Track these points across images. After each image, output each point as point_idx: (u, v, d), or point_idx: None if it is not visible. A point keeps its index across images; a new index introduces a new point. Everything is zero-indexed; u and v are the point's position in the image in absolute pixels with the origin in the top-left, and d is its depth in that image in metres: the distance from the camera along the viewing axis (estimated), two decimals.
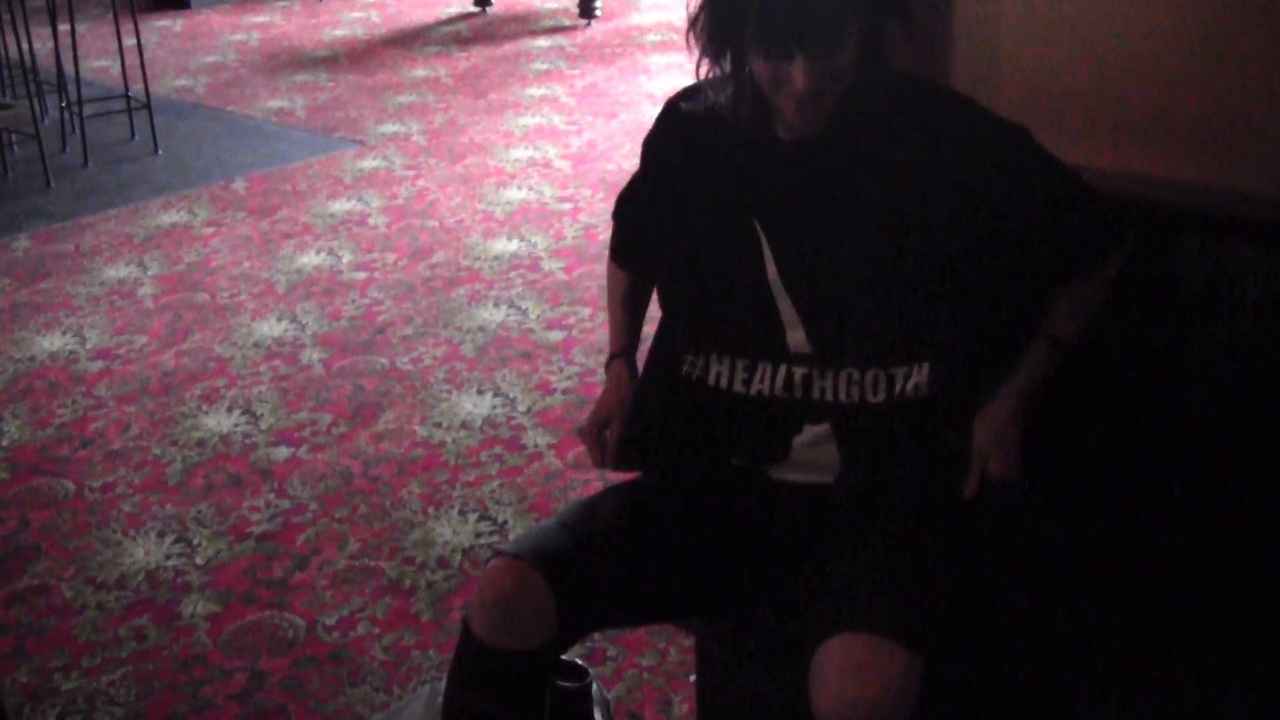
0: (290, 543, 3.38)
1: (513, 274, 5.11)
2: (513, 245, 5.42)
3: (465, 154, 6.65)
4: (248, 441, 3.89)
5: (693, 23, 1.92)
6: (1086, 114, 2.47)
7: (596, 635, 2.95)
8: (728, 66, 1.92)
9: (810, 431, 2.02)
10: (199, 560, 3.31)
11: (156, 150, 6.77)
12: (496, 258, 5.29)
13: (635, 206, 2.25)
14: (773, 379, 2.01)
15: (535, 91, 7.82)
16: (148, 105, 6.74)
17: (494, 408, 4.04)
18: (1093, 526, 2.26)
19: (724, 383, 2.04)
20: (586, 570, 1.98)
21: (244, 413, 4.06)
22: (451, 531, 3.39)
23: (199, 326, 4.70)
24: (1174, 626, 2.08)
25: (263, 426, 3.97)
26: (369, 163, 6.55)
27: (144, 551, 3.36)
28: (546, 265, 5.15)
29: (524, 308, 4.78)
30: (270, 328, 4.68)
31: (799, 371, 2.00)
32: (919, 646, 1.77)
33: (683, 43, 1.98)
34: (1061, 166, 1.99)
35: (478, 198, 6.00)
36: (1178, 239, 2.22)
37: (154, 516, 3.51)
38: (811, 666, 1.80)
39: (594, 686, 2.56)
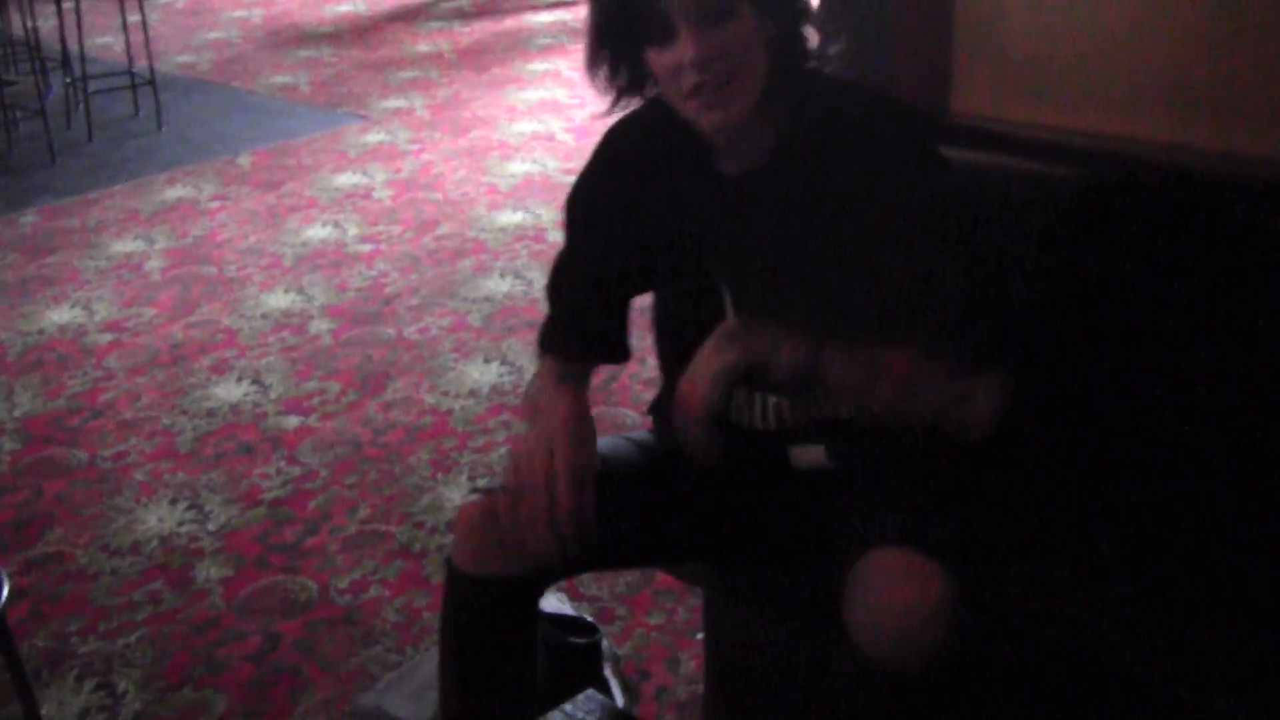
0: (301, 509, 3.42)
1: (518, 245, 5.14)
2: (517, 217, 5.45)
3: (469, 128, 6.68)
4: (257, 410, 3.92)
5: (591, 63, 1.90)
6: (1091, 79, 2.48)
7: (605, 595, 2.99)
8: (634, 87, 1.90)
9: (804, 448, 2.03)
10: (211, 526, 3.35)
11: (161, 126, 6.79)
12: (501, 229, 5.32)
13: (577, 278, 2.12)
14: (752, 410, 2.04)
15: (538, 66, 7.84)
16: (152, 81, 6.77)
17: (500, 376, 4.07)
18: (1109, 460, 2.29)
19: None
20: None
21: (253, 382, 4.09)
22: (460, 496, 3.43)
23: (207, 299, 4.73)
24: (1190, 565, 2.11)
25: (272, 396, 4.01)
26: (373, 137, 6.57)
27: (157, 518, 3.40)
28: (551, 236, 5.18)
29: (529, 278, 4.81)
30: (278, 300, 4.71)
31: (772, 399, 2.02)
32: (953, 569, 1.79)
33: None
34: (964, 254, 1.84)
35: (482, 170, 6.02)
36: (1193, 203, 2.24)
37: (166, 484, 3.55)
38: (848, 580, 1.81)
39: (604, 643, 2.60)
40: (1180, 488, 2.24)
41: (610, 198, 2.03)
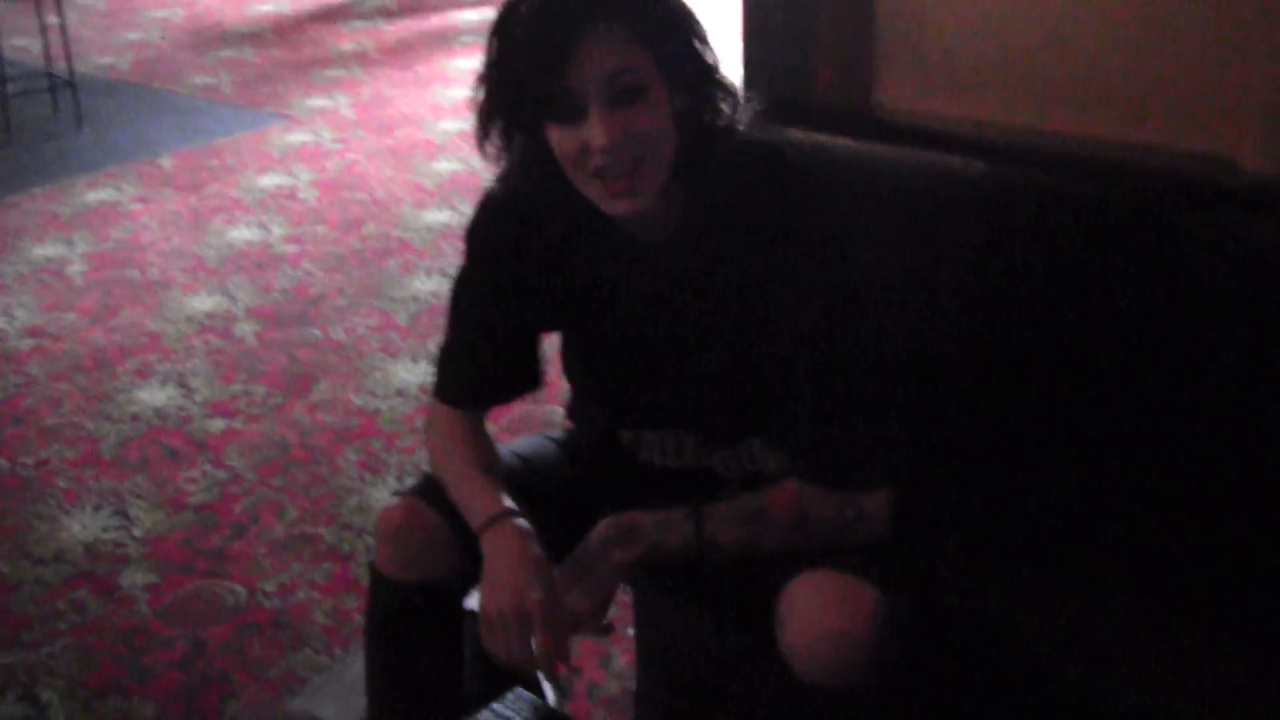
0: (228, 513, 3.39)
1: (444, 244, 5.12)
2: (444, 215, 5.43)
3: (394, 126, 6.64)
4: (182, 414, 3.88)
5: (482, 132, 1.82)
6: (1010, 75, 2.51)
7: None
8: (528, 164, 1.82)
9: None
10: (137, 532, 3.32)
11: (82, 128, 6.70)
12: (428, 228, 5.30)
13: (472, 336, 2.03)
14: (664, 450, 2.05)
15: (463, 63, 7.80)
16: (71, 83, 6.68)
17: (428, 375, 4.03)
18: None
19: (634, 449, 2.07)
20: None
21: (178, 386, 4.05)
22: (389, 497, 3.41)
23: (130, 303, 4.68)
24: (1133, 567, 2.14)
25: (197, 399, 3.97)
26: (297, 137, 6.52)
27: (81, 525, 3.36)
28: None
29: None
30: (202, 302, 4.67)
31: (689, 446, 2.03)
32: (884, 584, 1.79)
33: None
34: (858, 356, 1.81)
35: (408, 169, 6.00)
36: (1103, 197, 2.26)
37: (90, 491, 3.51)
38: (780, 603, 1.80)
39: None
40: (1125, 489, 2.27)
41: (507, 263, 1.96)
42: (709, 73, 1.78)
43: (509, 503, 1.89)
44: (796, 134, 2.43)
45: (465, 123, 6.53)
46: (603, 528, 1.86)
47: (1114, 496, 2.26)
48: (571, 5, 1.67)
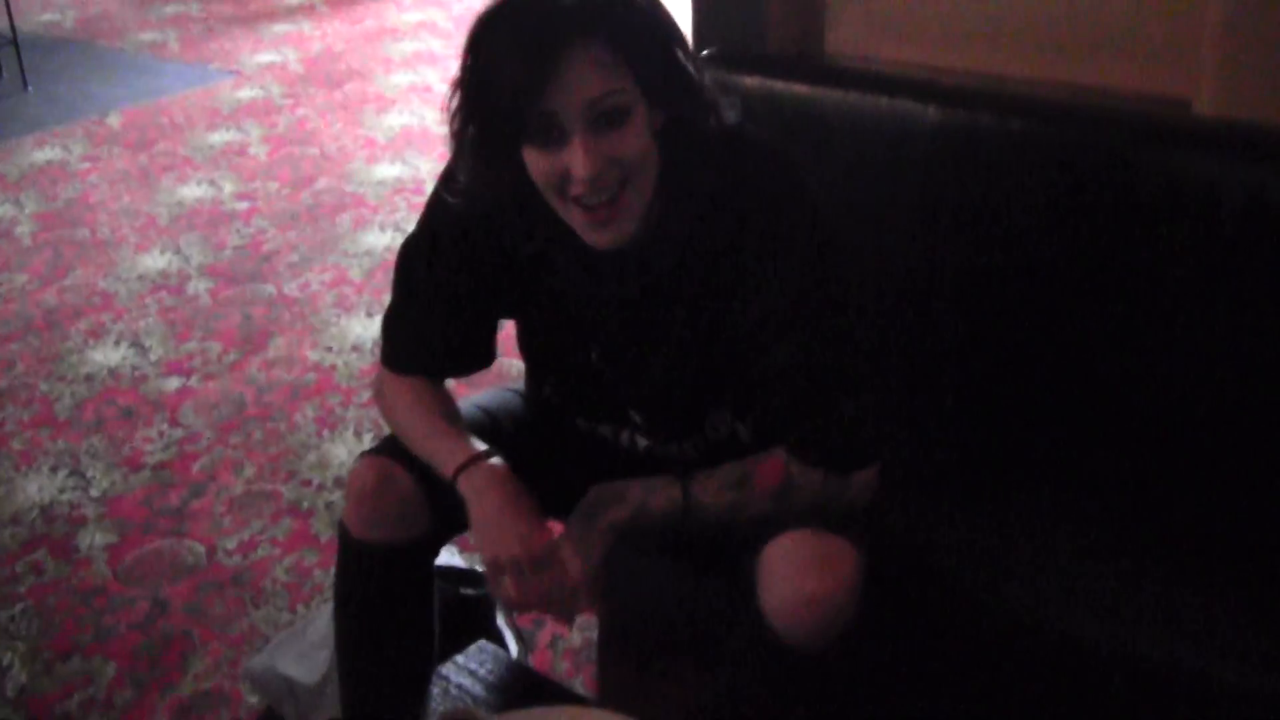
0: (186, 471, 3.38)
1: (397, 198, 5.10)
2: (396, 170, 5.40)
3: (344, 81, 6.60)
4: (137, 374, 3.86)
5: (457, 126, 1.71)
6: (958, 19, 2.51)
7: None
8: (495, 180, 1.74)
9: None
10: (94, 493, 3.30)
11: (26, 87, 6.63)
12: (380, 182, 5.27)
13: (426, 310, 1.97)
14: (617, 440, 2.05)
15: (412, 17, 7.75)
16: (14, 41, 6.59)
17: None
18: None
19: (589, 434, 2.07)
20: None
21: (132, 345, 4.02)
22: (347, 453, 3.41)
23: (80, 262, 4.64)
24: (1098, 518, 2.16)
25: (152, 358, 3.94)
26: (246, 93, 6.47)
27: (37, 487, 3.34)
28: (430, 188, 5.12)
29: (409, 231, 4.75)
30: (154, 260, 4.63)
31: (641, 440, 2.03)
32: (861, 543, 1.80)
33: None
34: (835, 347, 1.77)
35: (358, 124, 5.96)
36: (1057, 140, 2.27)
37: (45, 452, 3.49)
38: (759, 565, 1.80)
39: None
40: (1073, 426, 2.29)
41: (460, 246, 1.90)
42: (691, 83, 1.70)
43: (481, 445, 1.87)
44: (750, 81, 2.43)
45: (416, 76, 6.52)
46: (591, 494, 1.85)
47: (1060, 434, 2.28)
48: (551, 21, 1.58)
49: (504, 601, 1.84)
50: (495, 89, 1.61)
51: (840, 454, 1.80)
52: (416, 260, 1.96)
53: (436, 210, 1.92)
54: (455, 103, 1.69)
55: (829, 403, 1.77)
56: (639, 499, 1.82)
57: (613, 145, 1.62)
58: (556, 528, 1.85)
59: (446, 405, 1.98)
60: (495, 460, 1.85)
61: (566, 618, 1.88)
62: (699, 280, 1.79)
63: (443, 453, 1.88)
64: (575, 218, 1.68)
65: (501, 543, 1.79)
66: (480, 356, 2.01)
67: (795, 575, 1.75)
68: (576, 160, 1.61)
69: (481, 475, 1.83)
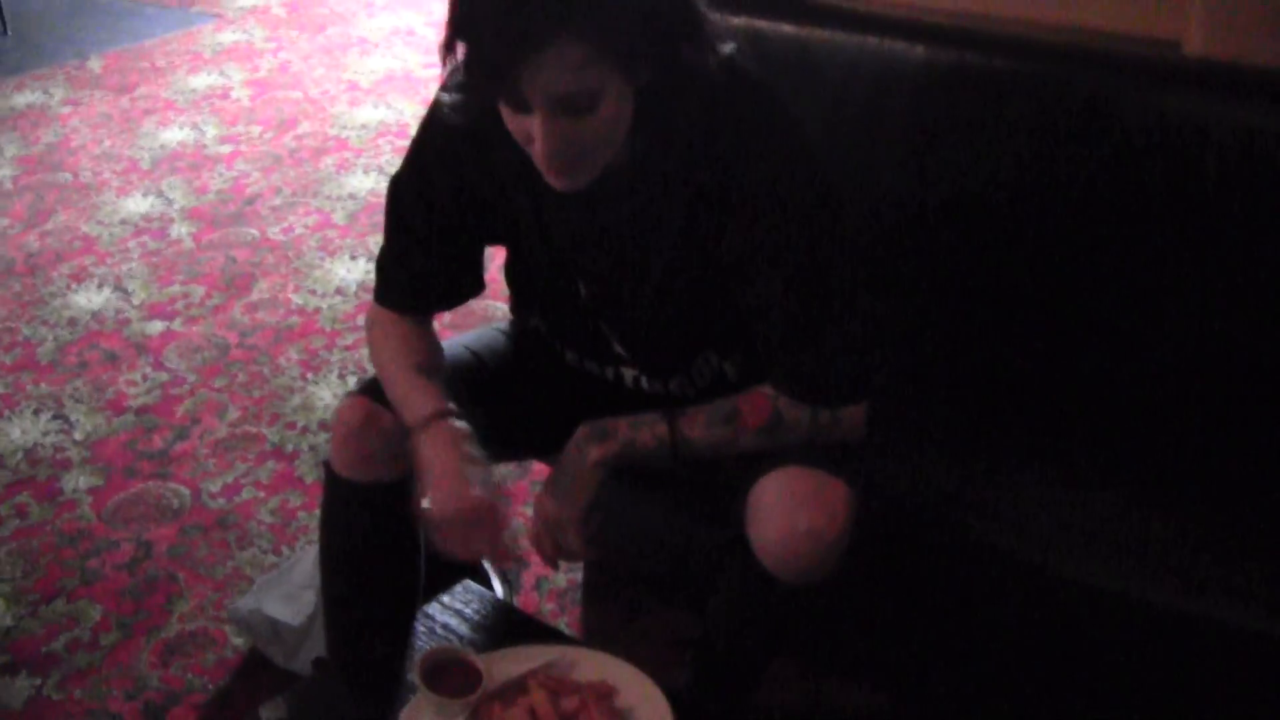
0: (170, 414, 3.37)
1: (380, 141, 5.07)
2: (379, 113, 5.37)
3: (326, 24, 6.54)
4: (120, 317, 3.84)
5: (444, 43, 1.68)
6: None
7: None
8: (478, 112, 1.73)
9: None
10: (78, 436, 3.29)
11: (6, 31, 6.55)
12: (363, 126, 5.24)
13: (414, 241, 1.98)
14: (603, 374, 2.05)
15: None
16: None
17: (367, 273, 4.02)
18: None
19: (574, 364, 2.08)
20: None
21: (115, 289, 4.00)
22: (331, 395, 3.40)
23: (62, 206, 4.61)
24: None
25: (135, 302, 3.93)
26: (229, 36, 6.41)
27: (20, 431, 3.33)
28: (414, 131, 5.10)
29: (393, 173, 4.73)
30: (136, 204, 4.60)
31: (628, 373, 2.03)
32: (853, 480, 1.80)
33: None
34: (826, 283, 1.77)
35: (341, 67, 5.91)
36: (1046, 80, 2.26)
37: (29, 396, 3.48)
38: (751, 499, 1.81)
39: None
40: (1074, 377, 2.30)
41: (455, 170, 1.90)
42: (692, 32, 1.65)
43: (448, 402, 1.87)
44: (737, 21, 2.41)
45: (398, 19, 6.46)
46: (579, 431, 1.86)
47: (1045, 372, 2.29)
48: (536, 15, 1.53)
49: (441, 554, 1.85)
50: (472, 50, 1.60)
51: (827, 389, 1.81)
52: (405, 192, 1.97)
53: (423, 140, 1.93)
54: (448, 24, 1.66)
55: (816, 337, 1.77)
56: (627, 436, 1.83)
57: (575, 130, 1.62)
58: (542, 471, 1.86)
59: (429, 356, 1.98)
60: (457, 421, 1.85)
61: (550, 559, 1.88)
62: (685, 212, 1.78)
63: (411, 402, 1.88)
64: (538, 164, 1.68)
65: (444, 499, 1.80)
66: (467, 283, 2.02)
67: (787, 510, 1.76)
68: (537, 137, 1.62)
69: (440, 432, 1.83)
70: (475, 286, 2.03)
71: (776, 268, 1.75)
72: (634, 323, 1.94)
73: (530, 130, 1.63)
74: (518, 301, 2.13)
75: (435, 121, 1.88)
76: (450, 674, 1.80)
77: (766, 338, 1.80)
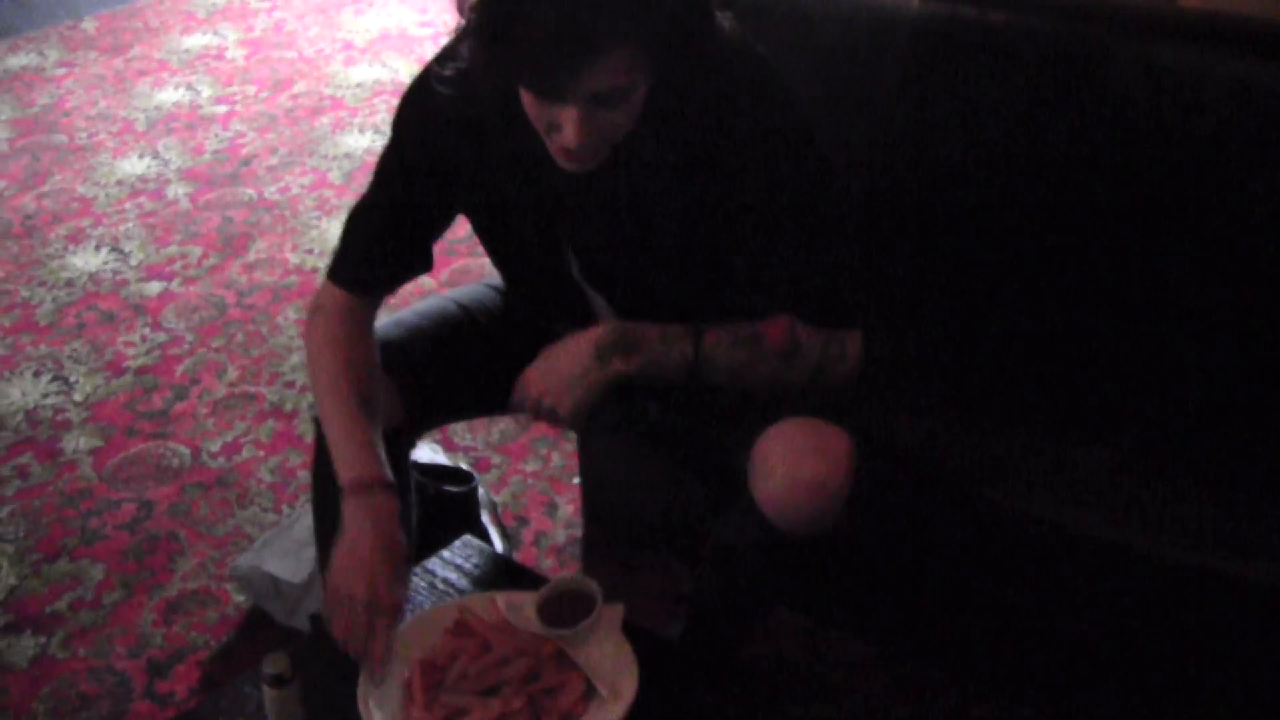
0: (169, 374, 3.38)
1: (376, 100, 5.06)
2: (374, 72, 5.36)
3: None
4: (118, 278, 3.85)
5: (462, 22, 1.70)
6: None
7: (479, 445, 3.00)
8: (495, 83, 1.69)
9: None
10: (77, 397, 3.30)
11: None
12: (359, 85, 5.23)
13: (379, 215, 1.97)
14: None
15: None
16: None
17: None
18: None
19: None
20: (420, 355, 2.02)
21: (112, 250, 4.01)
22: None
23: (58, 168, 4.61)
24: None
25: (132, 263, 3.93)
26: None
27: (20, 392, 3.34)
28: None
29: (388, 133, 4.72)
30: (133, 165, 4.60)
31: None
32: (851, 433, 1.82)
33: None
34: (814, 233, 1.79)
35: (336, 26, 5.89)
36: (1039, 30, 2.26)
37: (28, 357, 3.49)
38: (754, 452, 1.82)
39: (480, 490, 2.62)
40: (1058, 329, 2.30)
41: (439, 153, 1.89)
42: (688, 31, 1.65)
43: (382, 469, 1.86)
44: None
45: None
46: (606, 331, 1.83)
47: (1041, 325, 2.29)
48: (596, 24, 1.53)
49: (325, 624, 1.83)
50: (512, 50, 1.57)
51: (839, 308, 1.81)
52: (380, 162, 1.98)
53: (406, 107, 1.93)
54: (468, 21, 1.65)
55: (820, 268, 1.79)
56: (655, 351, 1.81)
57: (606, 121, 1.64)
58: (540, 430, 1.85)
59: (368, 378, 1.95)
60: (387, 497, 1.84)
61: (363, 662, 1.81)
62: (683, 181, 1.78)
63: (346, 456, 1.87)
64: (552, 150, 1.69)
65: (350, 578, 1.79)
66: (422, 261, 2.01)
67: (791, 460, 1.78)
68: (568, 128, 1.62)
69: (367, 506, 1.83)
70: (426, 264, 2.01)
71: (774, 233, 1.77)
72: (627, 294, 1.94)
73: (554, 119, 1.63)
74: (509, 285, 2.13)
75: (418, 91, 1.89)
76: (566, 604, 1.82)
77: (773, 282, 1.80)
